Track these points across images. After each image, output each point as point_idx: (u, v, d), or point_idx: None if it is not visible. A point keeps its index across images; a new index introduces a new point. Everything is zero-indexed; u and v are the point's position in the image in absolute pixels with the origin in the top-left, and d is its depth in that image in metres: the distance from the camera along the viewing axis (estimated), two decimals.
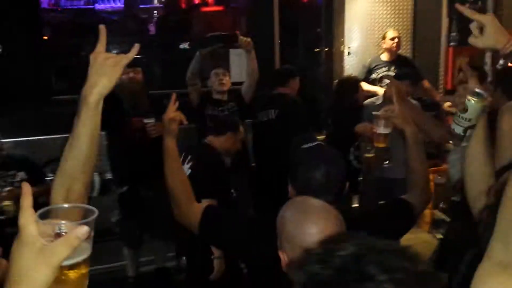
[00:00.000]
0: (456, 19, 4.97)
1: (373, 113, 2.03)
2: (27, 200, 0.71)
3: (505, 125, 1.50)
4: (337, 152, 1.59)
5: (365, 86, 4.47)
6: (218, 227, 1.60)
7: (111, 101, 3.20)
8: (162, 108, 3.52)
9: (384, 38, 4.85)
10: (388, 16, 5.54)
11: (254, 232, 1.54)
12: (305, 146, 1.58)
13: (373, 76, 4.83)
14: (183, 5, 6.04)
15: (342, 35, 5.54)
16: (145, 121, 3.32)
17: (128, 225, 3.51)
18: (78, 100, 1.14)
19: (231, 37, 3.59)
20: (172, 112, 1.76)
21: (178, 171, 1.69)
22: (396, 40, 4.77)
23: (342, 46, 5.55)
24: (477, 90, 1.39)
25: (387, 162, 3.55)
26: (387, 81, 4.09)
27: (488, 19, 1.35)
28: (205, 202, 1.76)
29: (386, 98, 3.86)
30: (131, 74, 3.32)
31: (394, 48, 4.80)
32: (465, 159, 1.47)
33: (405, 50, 5.35)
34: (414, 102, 3.94)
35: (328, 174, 1.47)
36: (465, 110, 1.40)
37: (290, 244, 1.15)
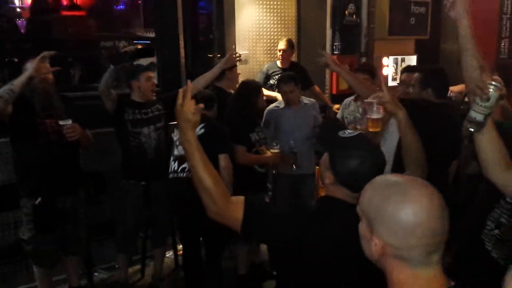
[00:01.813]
0: (338, 30, 5.52)
1: (365, 100, 2.12)
2: None
3: None
4: (377, 144, 1.61)
5: (264, 91, 4.66)
6: (266, 220, 1.50)
7: (20, 103, 2.90)
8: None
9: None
10: (275, 25, 5.89)
11: (308, 223, 1.48)
12: (347, 135, 1.55)
13: (271, 82, 5.07)
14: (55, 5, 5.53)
15: (234, 42, 5.72)
16: (61, 123, 3.01)
17: (43, 242, 3.11)
18: None
19: (148, 51, 3.43)
20: (189, 100, 1.53)
21: (208, 165, 1.54)
22: (281, 52, 5.06)
23: (234, 52, 5.72)
24: (494, 82, 1.59)
25: (294, 167, 3.81)
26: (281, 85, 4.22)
27: None
28: (240, 197, 1.55)
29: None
30: (43, 75, 2.98)
31: (284, 58, 5.10)
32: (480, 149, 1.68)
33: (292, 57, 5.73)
34: (307, 101, 4.22)
35: (378, 167, 1.49)
36: (487, 99, 1.59)
37: (389, 228, 1.03)
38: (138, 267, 4.03)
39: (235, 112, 3.66)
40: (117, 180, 3.50)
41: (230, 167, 3.31)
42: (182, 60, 4.35)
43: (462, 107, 5.17)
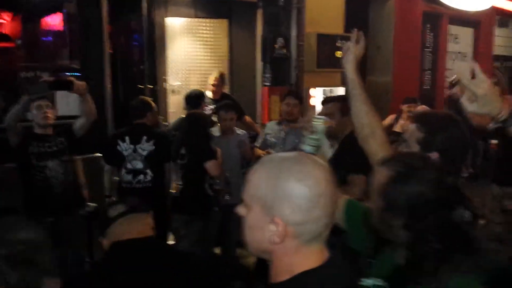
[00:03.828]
0: (269, 62, 5.65)
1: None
2: None
3: None
4: None
5: None
6: None
7: None
8: None
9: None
10: (208, 57, 5.94)
11: None
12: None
13: None
14: None
15: (165, 74, 5.71)
16: None
17: None
18: None
19: (67, 83, 3.31)
20: None
21: None
22: (213, 86, 5.15)
23: (165, 84, 5.71)
24: (318, 116, 1.76)
25: (228, 196, 3.84)
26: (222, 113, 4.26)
27: (484, 89, 1.38)
28: None
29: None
30: None
31: (215, 91, 5.16)
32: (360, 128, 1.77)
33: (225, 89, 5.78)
34: (240, 132, 4.29)
35: None
36: (314, 132, 1.69)
37: (292, 204, 0.98)
38: None
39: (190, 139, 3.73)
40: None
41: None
42: (108, 91, 4.27)
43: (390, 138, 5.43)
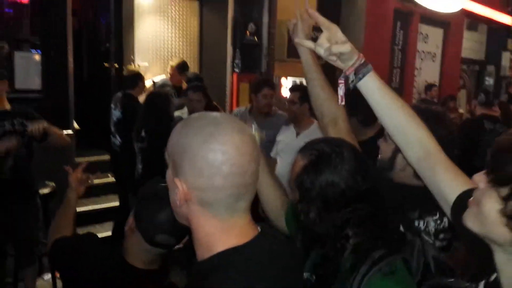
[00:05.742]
0: (239, 48, 5.56)
1: None
2: None
3: None
4: None
5: None
6: None
7: None
8: None
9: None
10: (177, 39, 5.81)
11: None
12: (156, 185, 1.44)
13: None
14: None
15: (132, 53, 5.56)
16: None
17: None
18: None
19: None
20: (80, 173, 1.84)
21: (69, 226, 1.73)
22: (170, 74, 5.17)
23: (132, 63, 5.56)
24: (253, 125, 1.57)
25: None
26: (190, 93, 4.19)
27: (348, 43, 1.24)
28: None
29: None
30: None
31: (172, 76, 5.14)
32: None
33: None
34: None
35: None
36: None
37: (194, 167, 0.89)
38: None
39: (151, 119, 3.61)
40: None
41: None
42: (70, 66, 4.11)
43: None
